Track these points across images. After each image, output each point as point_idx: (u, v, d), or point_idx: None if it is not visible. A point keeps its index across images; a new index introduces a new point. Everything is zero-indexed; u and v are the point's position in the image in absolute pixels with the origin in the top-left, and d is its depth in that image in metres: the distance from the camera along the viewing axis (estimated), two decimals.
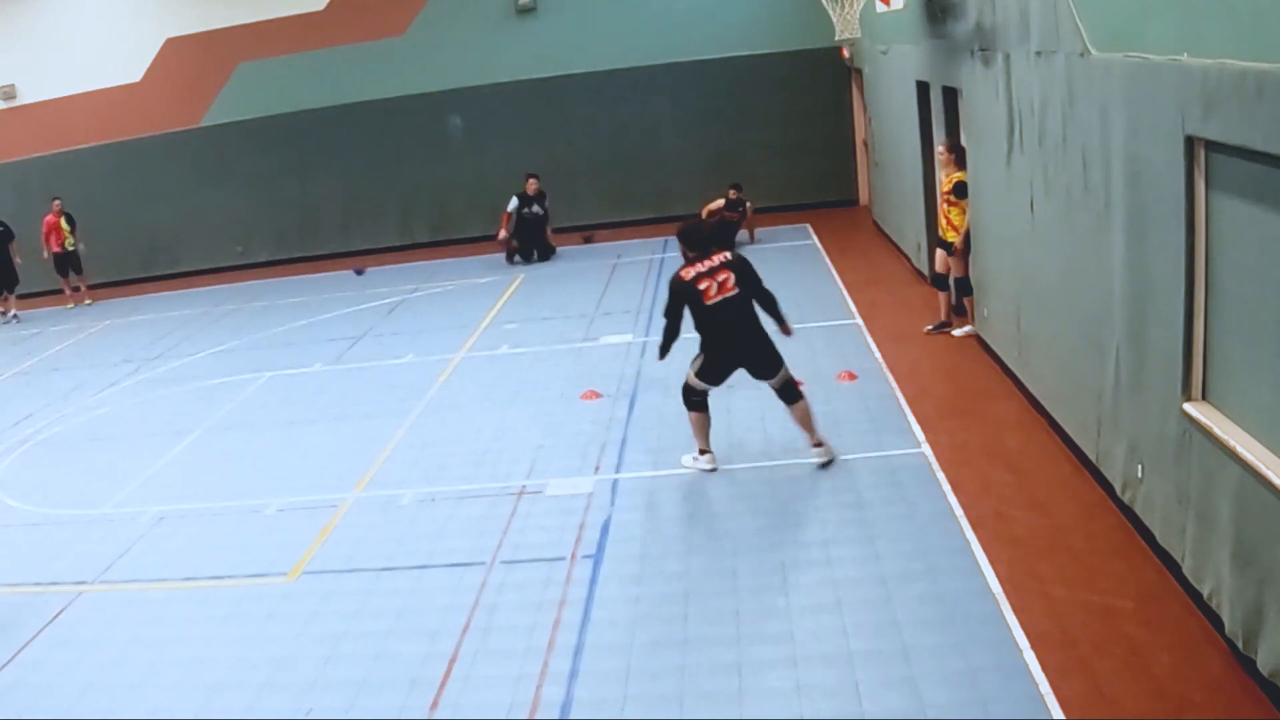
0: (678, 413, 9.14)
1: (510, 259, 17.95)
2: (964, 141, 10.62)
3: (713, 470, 8.28)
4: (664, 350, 8.26)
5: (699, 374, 8.10)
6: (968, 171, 10.42)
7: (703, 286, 7.82)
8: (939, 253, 11.17)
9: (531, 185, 17.61)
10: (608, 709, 5.51)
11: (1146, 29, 5.74)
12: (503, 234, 17.70)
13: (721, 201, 16.50)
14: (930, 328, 11.33)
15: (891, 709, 5.22)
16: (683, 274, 7.94)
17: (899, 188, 14.68)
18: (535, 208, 17.69)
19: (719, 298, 7.83)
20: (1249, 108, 4.59)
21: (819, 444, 8.15)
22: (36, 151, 20.59)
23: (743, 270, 7.97)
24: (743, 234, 16.83)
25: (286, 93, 19.88)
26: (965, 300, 11.14)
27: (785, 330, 8.32)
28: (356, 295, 16.86)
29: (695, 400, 8.16)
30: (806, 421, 8.15)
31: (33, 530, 8.72)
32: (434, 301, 15.89)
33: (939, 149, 11.23)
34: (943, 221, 10.99)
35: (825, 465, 8.08)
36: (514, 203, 17.63)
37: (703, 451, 8.31)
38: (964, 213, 10.63)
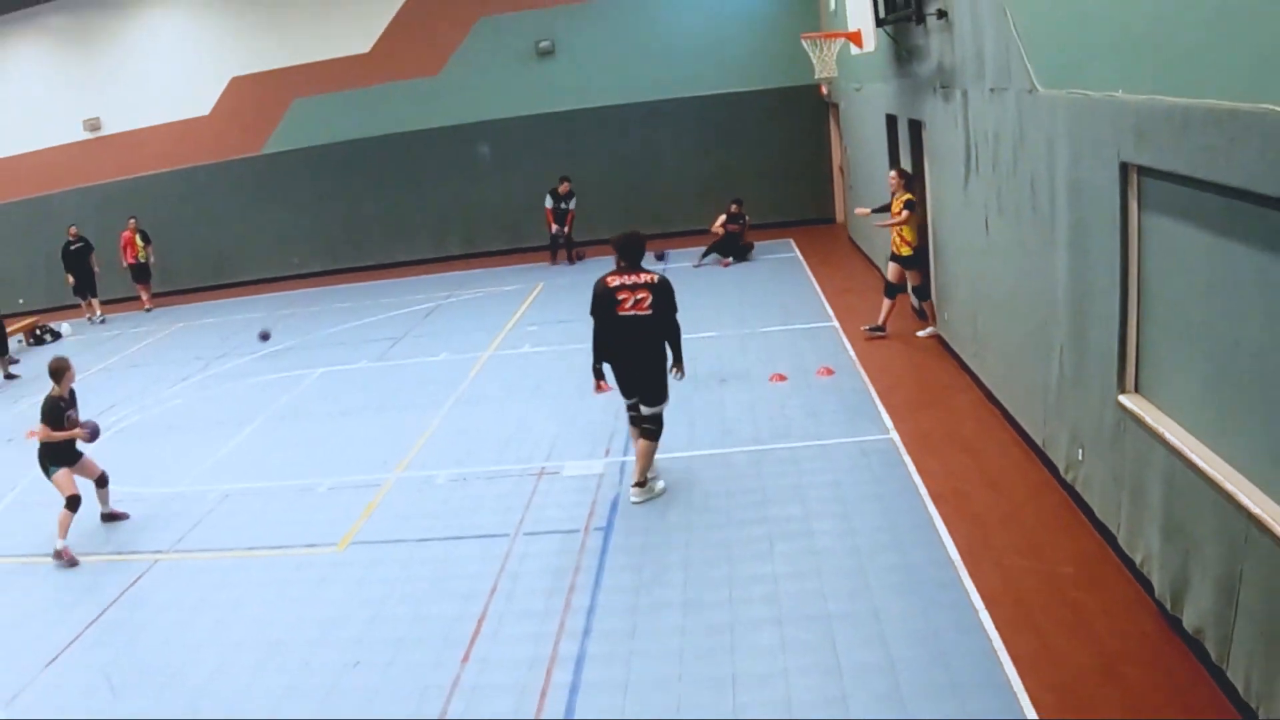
0: (680, 405, 9.16)
1: (554, 258, 18.32)
2: (926, 168, 10.62)
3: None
4: (596, 369, 7.46)
5: (620, 390, 7.61)
6: (930, 193, 10.42)
7: (621, 297, 7.22)
8: (892, 265, 11.14)
9: (564, 186, 17.97)
10: (616, 662, 5.54)
11: (1087, 69, 5.74)
12: (554, 228, 18.12)
13: (724, 216, 16.65)
14: (866, 328, 11.26)
15: (864, 662, 5.24)
16: (608, 280, 7.30)
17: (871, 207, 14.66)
18: (564, 204, 18.03)
19: (631, 312, 7.22)
20: (1176, 138, 4.60)
21: (640, 484, 7.57)
22: (118, 176, 20.63)
23: (661, 295, 7.25)
24: None
25: (336, 125, 19.90)
26: (925, 304, 11.13)
27: (678, 368, 7.61)
28: (398, 301, 16.90)
29: (631, 416, 7.68)
30: (644, 459, 7.54)
31: (115, 506, 8.74)
32: (465, 307, 15.90)
33: (890, 175, 11.18)
34: (895, 238, 10.91)
35: (638, 502, 7.52)
36: (549, 200, 17.99)
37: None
38: (913, 230, 10.64)
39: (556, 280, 17.07)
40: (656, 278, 7.33)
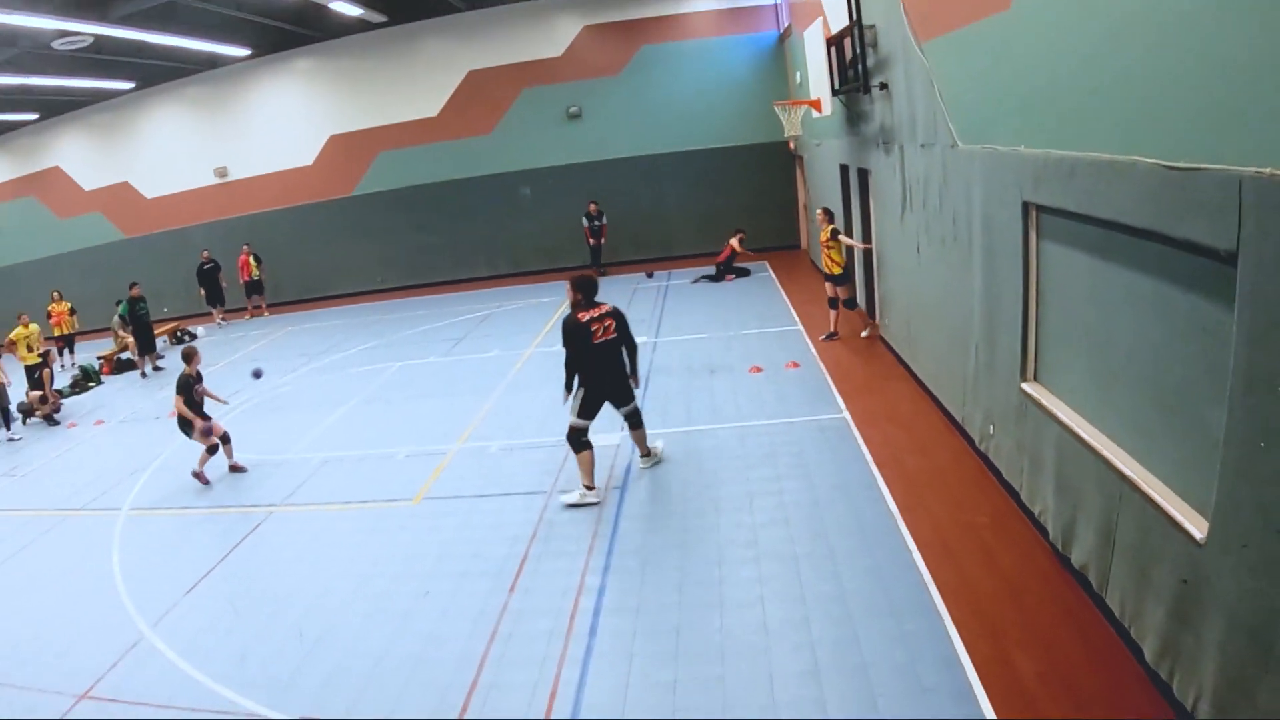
0: (679, 390, 9.20)
1: (601, 272, 18.18)
2: (871, 206, 10.61)
3: (598, 503, 6.94)
4: (569, 385, 6.99)
5: (580, 414, 6.92)
6: (874, 225, 10.42)
7: (594, 329, 6.81)
8: (827, 283, 11.15)
9: (592, 207, 18.24)
10: (630, 591, 5.59)
11: (996, 129, 5.75)
12: (592, 241, 18.31)
13: (730, 242, 16.72)
14: (823, 337, 11.18)
15: (822, 591, 5.28)
16: (579, 317, 6.82)
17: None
18: (596, 222, 18.27)
19: (603, 340, 6.85)
20: (1065, 183, 4.62)
21: (646, 454, 7.54)
22: (240, 212, 20.71)
23: (620, 320, 6.97)
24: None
25: (412, 172, 19.92)
26: (854, 313, 11.17)
27: (633, 378, 7.20)
28: (460, 310, 16.90)
29: (582, 441, 6.95)
30: (642, 441, 7.46)
31: (236, 461, 8.83)
32: (512, 314, 15.89)
33: (818, 213, 11.21)
34: (826, 260, 10.96)
35: (647, 467, 7.48)
36: (585, 221, 18.30)
37: (588, 488, 6.97)
38: (840, 252, 10.71)
39: None
40: (611, 307, 7.01)
